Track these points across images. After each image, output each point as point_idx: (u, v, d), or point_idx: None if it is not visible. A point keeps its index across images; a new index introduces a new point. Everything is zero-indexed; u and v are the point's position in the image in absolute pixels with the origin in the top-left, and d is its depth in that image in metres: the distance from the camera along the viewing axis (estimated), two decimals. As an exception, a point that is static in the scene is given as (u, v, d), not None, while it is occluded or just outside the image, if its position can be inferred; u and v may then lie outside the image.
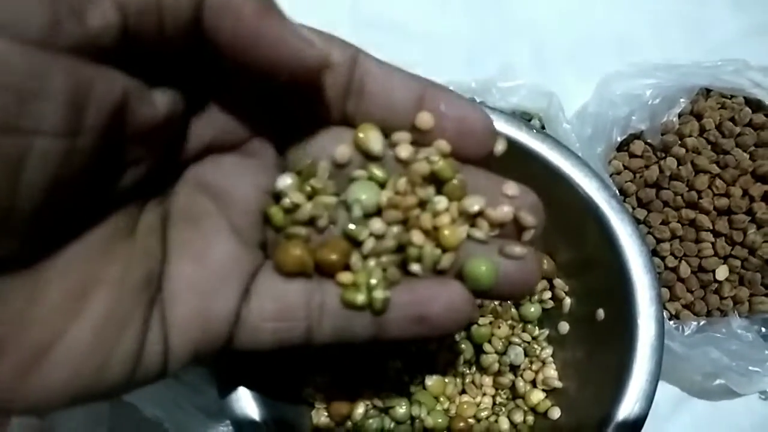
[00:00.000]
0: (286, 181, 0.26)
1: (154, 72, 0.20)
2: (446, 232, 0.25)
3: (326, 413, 0.39)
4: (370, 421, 0.39)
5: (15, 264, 0.19)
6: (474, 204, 0.26)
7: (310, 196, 0.26)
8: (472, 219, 0.26)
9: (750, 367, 0.47)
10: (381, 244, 0.26)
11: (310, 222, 0.26)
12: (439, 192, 0.26)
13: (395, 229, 0.26)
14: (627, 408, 0.34)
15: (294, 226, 0.26)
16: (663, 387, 0.51)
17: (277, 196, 0.26)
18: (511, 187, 0.26)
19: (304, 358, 0.29)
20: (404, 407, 0.39)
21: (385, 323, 0.26)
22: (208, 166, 0.25)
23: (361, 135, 0.25)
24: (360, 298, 0.25)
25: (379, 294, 0.25)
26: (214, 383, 0.34)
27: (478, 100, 0.53)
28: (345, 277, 0.26)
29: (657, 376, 0.35)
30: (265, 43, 0.20)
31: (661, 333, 0.35)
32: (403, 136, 0.26)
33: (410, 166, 0.26)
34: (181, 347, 0.24)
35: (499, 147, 0.27)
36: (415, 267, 0.26)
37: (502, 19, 0.63)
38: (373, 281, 0.25)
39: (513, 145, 0.39)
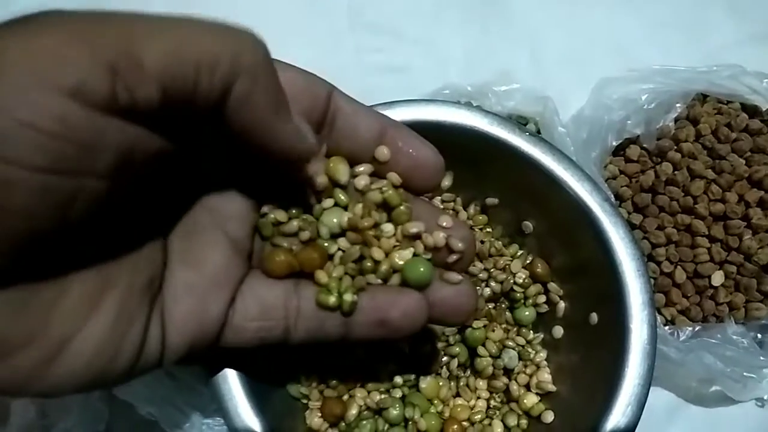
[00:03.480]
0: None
1: (184, 130, 0.24)
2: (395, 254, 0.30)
3: (319, 414, 0.39)
4: (364, 422, 0.39)
5: (48, 274, 0.22)
6: (413, 227, 0.30)
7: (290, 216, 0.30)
8: (413, 241, 0.30)
9: (745, 373, 0.46)
10: (347, 256, 0.30)
11: (294, 235, 0.30)
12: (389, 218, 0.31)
13: (357, 246, 0.30)
14: (619, 412, 0.34)
15: (280, 237, 0.30)
16: (659, 393, 0.50)
17: (263, 214, 0.30)
18: (446, 220, 0.31)
19: (294, 355, 0.31)
20: (398, 409, 0.39)
21: (352, 325, 0.30)
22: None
23: (331, 165, 0.29)
24: (332, 299, 0.29)
25: (348, 297, 0.29)
26: (207, 382, 0.34)
27: (474, 104, 0.53)
28: (321, 274, 0.30)
29: (649, 380, 0.34)
30: (269, 134, 0.24)
31: (654, 337, 0.35)
32: (363, 169, 0.30)
33: (366, 194, 0.30)
34: (178, 341, 0.27)
35: (446, 182, 0.34)
36: (371, 278, 0.30)
37: (501, 23, 0.63)
38: (343, 286, 0.29)
39: (508, 149, 0.39)
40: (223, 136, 0.24)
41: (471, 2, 0.63)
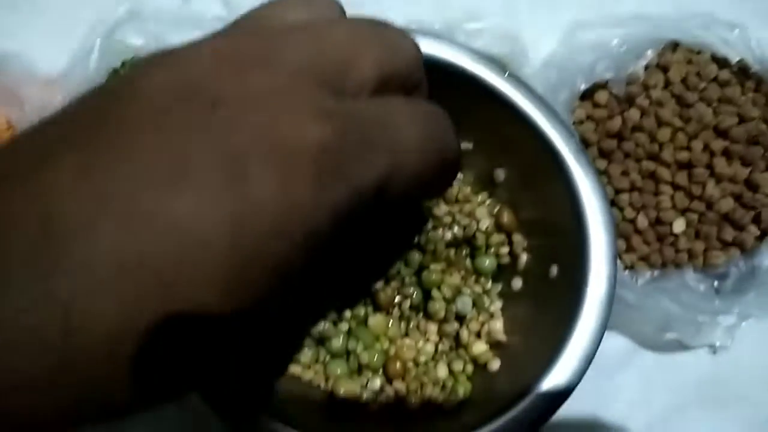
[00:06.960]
0: None
1: None
2: None
3: None
4: (305, 349, 0.37)
5: None
6: None
7: None
8: None
9: (699, 318, 0.44)
10: None
11: None
12: None
13: None
14: (563, 367, 0.31)
15: None
16: (614, 338, 0.48)
17: None
18: None
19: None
20: (341, 341, 0.37)
21: None
22: None
23: None
24: None
25: None
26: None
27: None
28: None
29: (600, 337, 0.31)
30: None
31: (611, 294, 0.32)
32: None
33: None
34: None
35: None
36: None
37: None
38: None
39: (487, 90, 0.36)
40: None
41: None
